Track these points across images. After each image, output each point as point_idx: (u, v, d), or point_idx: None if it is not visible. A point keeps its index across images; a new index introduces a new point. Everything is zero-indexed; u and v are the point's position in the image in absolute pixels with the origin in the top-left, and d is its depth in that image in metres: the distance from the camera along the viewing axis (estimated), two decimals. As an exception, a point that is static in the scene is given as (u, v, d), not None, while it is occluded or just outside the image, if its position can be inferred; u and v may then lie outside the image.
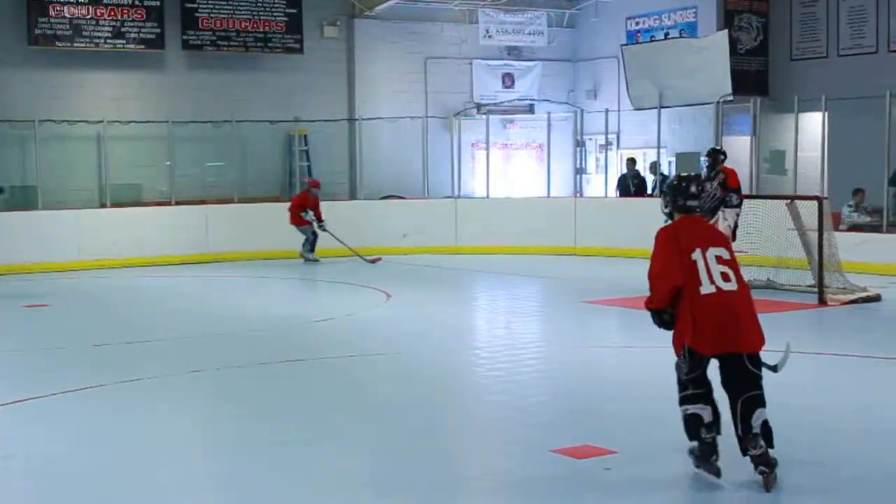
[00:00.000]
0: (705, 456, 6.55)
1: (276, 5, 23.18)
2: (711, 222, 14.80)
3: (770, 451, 6.45)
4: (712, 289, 6.56)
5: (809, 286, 14.88)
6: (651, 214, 20.25)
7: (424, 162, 23.11)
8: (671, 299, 6.68)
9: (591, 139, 25.10)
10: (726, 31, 21.91)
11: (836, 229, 16.57)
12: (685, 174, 7.12)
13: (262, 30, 23.09)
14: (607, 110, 22.80)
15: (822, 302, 14.30)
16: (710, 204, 15.03)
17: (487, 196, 23.26)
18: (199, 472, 7.29)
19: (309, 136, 23.57)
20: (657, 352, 11.28)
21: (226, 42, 22.87)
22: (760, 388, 6.58)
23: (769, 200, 16.22)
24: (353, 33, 24.37)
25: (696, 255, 6.68)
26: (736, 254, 14.97)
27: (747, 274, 15.36)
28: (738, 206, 14.94)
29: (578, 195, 23.65)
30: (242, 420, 8.53)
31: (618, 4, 24.93)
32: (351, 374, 10.50)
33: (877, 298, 14.52)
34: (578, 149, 24.53)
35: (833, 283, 14.69)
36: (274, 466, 7.10)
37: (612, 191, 23.27)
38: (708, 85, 21.45)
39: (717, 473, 6.49)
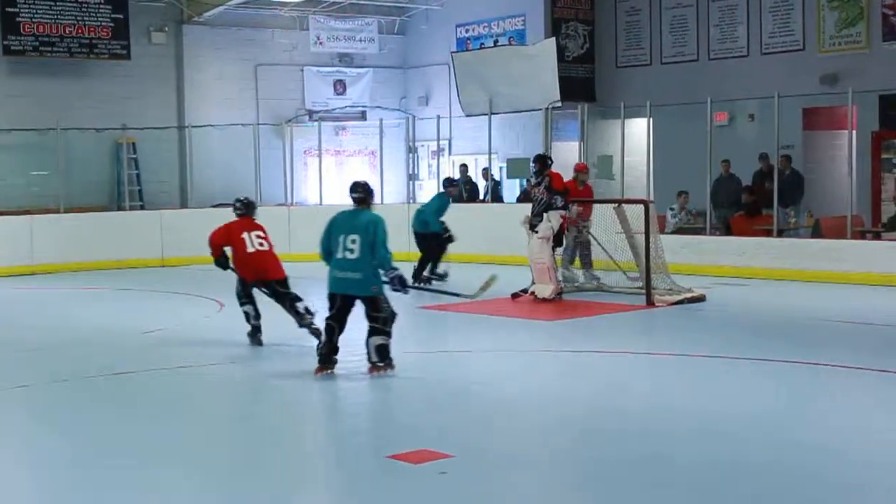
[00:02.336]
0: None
1: (102, 10, 22.69)
2: (538, 226, 15.09)
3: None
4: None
5: (637, 288, 15.24)
6: (483, 219, 20.61)
7: (256, 169, 22.92)
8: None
9: (423, 145, 25.25)
10: (554, 38, 22.32)
11: (662, 232, 17.04)
12: None
13: (87, 35, 22.59)
14: (439, 117, 22.97)
15: (650, 303, 14.67)
16: (538, 208, 15.27)
17: (321, 203, 23.17)
18: (23, 490, 7.07)
19: (137, 144, 23.14)
20: (491, 356, 11.46)
21: (49, 48, 22.30)
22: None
23: (598, 204, 16.55)
24: (182, 39, 24.05)
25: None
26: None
27: (578, 277, 15.84)
28: (564, 208, 15.19)
29: (411, 201, 23.74)
30: (68, 436, 8.32)
31: (447, 12, 25.16)
32: (180, 386, 10.32)
33: (702, 299, 14.94)
34: (411, 155, 24.65)
35: (660, 285, 15.07)
36: (100, 481, 6.97)
37: (445, 197, 23.39)
38: (537, 91, 21.79)
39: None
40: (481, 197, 22.76)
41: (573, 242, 16.26)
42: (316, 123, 24.23)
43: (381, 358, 10.07)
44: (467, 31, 24.80)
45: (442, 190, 18.26)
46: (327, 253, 10.57)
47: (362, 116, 26.04)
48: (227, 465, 7.41)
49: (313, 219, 19.56)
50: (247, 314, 12.46)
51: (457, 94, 23.46)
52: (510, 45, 23.51)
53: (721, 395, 9.32)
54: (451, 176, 20.86)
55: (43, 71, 22.40)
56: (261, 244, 12.24)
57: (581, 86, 23.47)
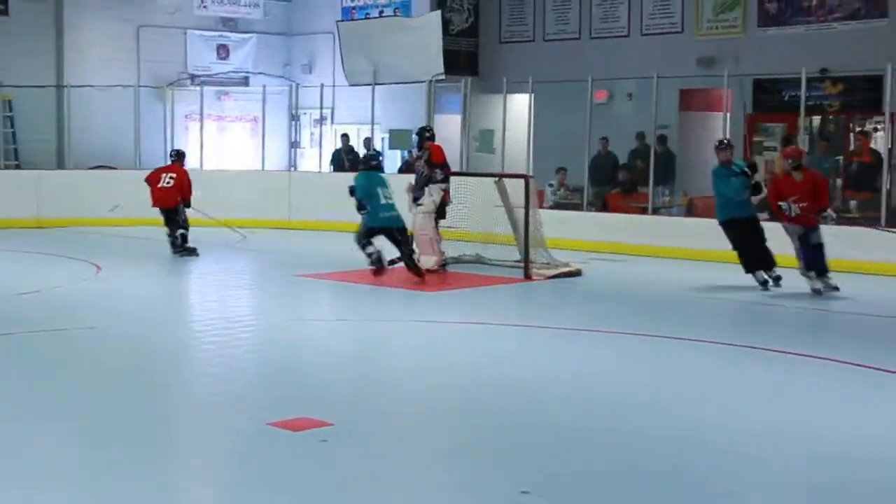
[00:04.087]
0: None
1: (-20, -37, 22.20)
2: (420, 199, 15.24)
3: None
4: None
5: (516, 261, 15.51)
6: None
7: (136, 132, 22.66)
8: None
9: (305, 113, 25.20)
10: (439, 11, 22.45)
11: (541, 207, 17.31)
12: None
13: (-37, -11, 22.07)
14: (322, 85, 22.96)
15: (528, 276, 14.95)
16: (421, 182, 15.42)
17: (201, 168, 23.00)
18: None
19: (14, 102, 22.66)
20: (369, 325, 11.61)
21: (-78, 0, 21.75)
22: None
23: (478, 178, 16.76)
24: (62, -3, 23.63)
25: None
26: (446, 229, 15.66)
27: (457, 249, 16.07)
28: (444, 181, 15.34)
29: (293, 169, 23.75)
30: None
31: (333, -20, 25.10)
32: (60, 348, 10.24)
33: (578, 273, 15.28)
34: (293, 123, 24.60)
35: (538, 259, 15.35)
36: None
37: (327, 165, 23.46)
38: (421, 64, 21.94)
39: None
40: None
41: None
42: (198, 88, 24.01)
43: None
44: (353, 0, 24.77)
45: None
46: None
47: (245, 82, 25.87)
48: (101, 430, 7.34)
49: (194, 183, 19.59)
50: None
51: (341, 63, 23.46)
52: (395, 16, 23.56)
53: (590, 364, 9.62)
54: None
55: (-86, 23, 21.84)
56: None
57: (465, 60, 23.66)
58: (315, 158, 23.98)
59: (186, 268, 16.51)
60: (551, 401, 8.25)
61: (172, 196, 17.18)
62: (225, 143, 25.28)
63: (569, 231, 17.91)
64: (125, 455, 6.79)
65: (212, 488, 6.39)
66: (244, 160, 24.41)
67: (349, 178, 21.49)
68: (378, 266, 14.53)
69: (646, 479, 6.46)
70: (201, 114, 23.32)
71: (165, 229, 17.36)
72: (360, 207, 14.66)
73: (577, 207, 19.53)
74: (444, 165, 15.48)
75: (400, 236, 14.57)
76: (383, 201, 14.45)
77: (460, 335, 11.13)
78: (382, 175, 15.14)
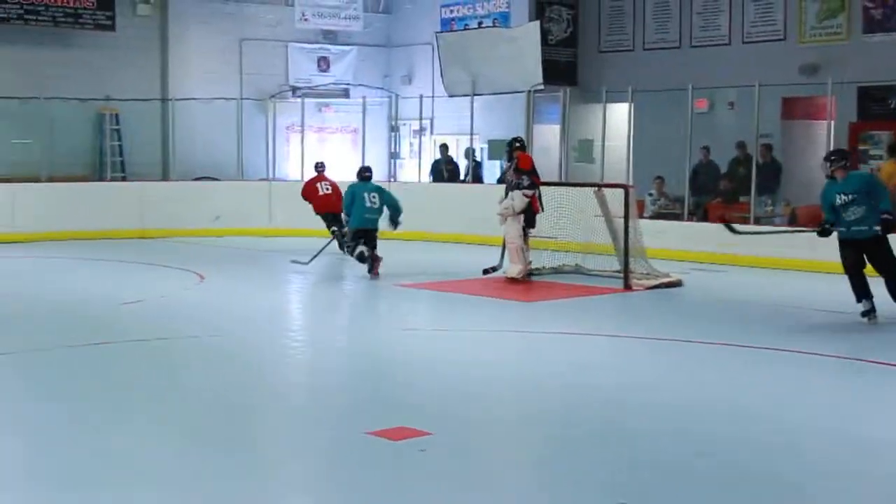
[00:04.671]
0: None
1: (87, -20, 22.71)
2: (503, 204, 15.34)
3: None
4: None
5: (615, 271, 15.41)
6: (462, 200, 20.72)
7: (239, 144, 22.96)
8: None
9: (405, 124, 25.34)
10: (538, 21, 22.41)
11: (641, 216, 17.19)
12: None
13: (72, 5, 22.55)
14: (422, 96, 23.06)
15: (628, 287, 14.84)
16: (508, 190, 15.54)
17: (302, 179, 23.21)
18: (4, 456, 7.08)
19: (120, 116, 23.14)
20: (466, 334, 11.61)
21: (34, 16, 22.26)
22: None
23: (577, 188, 16.70)
24: (167, 12, 24.04)
25: None
26: (545, 239, 15.63)
27: (557, 259, 16.02)
28: (530, 187, 15.39)
29: (392, 180, 23.85)
30: (47, 402, 8.36)
31: (432, -8, 25.23)
32: (161, 357, 10.38)
33: (678, 284, 15.13)
34: (393, 134, 24.75)
35: (638, 269, 15.23)
36: (76, 449, 7.04)
37: (426, 176, 23.54)
38: (519, 74, 21.91)
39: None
40: (462, 177, 22.88)
41: None
42: (299, 100, 24.27)
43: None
44: (452, 11, 24.86)
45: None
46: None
47: (345, 94, 26.09)
48: (203, 439, 7.42)
49: (294, 194, 19.79)
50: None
51: (440, 75, 23.54)
52: (494, 27, 23.58)
53: (692, 378, 9.50)
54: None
55: (27, 40, 22.35)
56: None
57: (563, 69, 23.58)
58: (415, 169, 24.08)
59: (287, 277, 16.68)
60: (647, 411, 8.17)
61: (334, 201, 18.38)
62: (325, 154, 25.49)
63: (669, 241, 17.74)
64: (224, 463, 6.85)
65: (310, 497, 6.43)
66: (344, 171, 24.57)
67: (449, 188, 21.77)
68: (371, 262, 15.86)
69: (746, 489, 6.36)
70: (302, 125, 23.56)
71: (327, 235, 18.36)
72: (345, 218, 16.41)
73: (677, 217, 19.35)
74: (532, 173, 15.51)
75: (372, 239, 16.12)
76: (368, 204, 16.07)
77: (557, 345, 11.07)
78: (373, 183, 16.60)
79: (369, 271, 15.83)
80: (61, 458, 6.88)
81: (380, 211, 16.22)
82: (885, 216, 11.79)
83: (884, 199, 11.92)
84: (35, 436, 7.49)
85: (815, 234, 12.54)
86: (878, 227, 11.81)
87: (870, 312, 12.02)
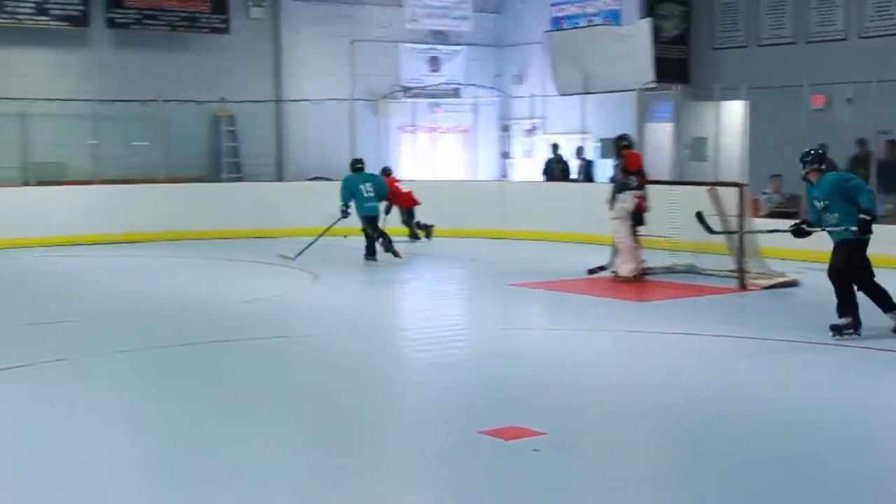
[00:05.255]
0: None
1: (203, -16, 23.13)
2: (617, 207, 15.22)
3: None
4: None
5: (730, 271, 15.21)
6: (574, 199, 20.64)
7: (351, 144, 23.14)
8: None
9: (516, 124, 25.33)
10: (649, 19, 22.23)
11: (756, 215, 16.93)
12: None
13: (188, 9, 22.99)
14: (532, 95, 23.03)
15: (743, 286, 14.63)
16: (615, 189, 15.40)
17: (413, 179, 23.35)
18: (125, 451, 7.23)
19: (235, 117, 23.51)
20: (580, 334, 11.57)
21: (152, 21, 22.75)
22: None
23: (690, 186, 16.50)
24: (280, 14, 24.35)
25: None
26: (658, 238, 15.44)
27: (670, 259, 15.86)
28: (639, 188, 15.25)
29: (503, 179, 23.87)
30: (168, 400, 8.56)
31: (543, -9, 25.18)
32: (277, 355, 10.52)
33: (795, 283, 14.87)
34: (504, 133, 24.76)
35: (753, 268, 15.01)
36: (198, 447, 7.17)
37: (538, 175, 23.50)
38: (631, 72, 21.77)
39: None
40: (573, 176, 22.80)
41: None
42: (410, 100, 24.40)
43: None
44: (562, 10, 24.77)
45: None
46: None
47: (456, 94, 26.16)
48: (317, 437, 7.52)
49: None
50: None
51: (551, 74, 23.49)
52: (605, 24, 23.45)
53: (810, 381, 9.35)
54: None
55: (145, 44, 22.83)
56: None
57: (675, 67, 23.34)
58: (526, 168, 24.05)
59: (401, 276, 16.77)
60: (766, 415, 8.03)
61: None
62: (437, 153, 25.63)
63: (785, 240, 17.41)
64: (338, 460, 6.92)
65: (422, 496, 6.45)
66: (456, 171, 24.68)
67: (560, 188, 21.71)
68: (371, 257, 17.45)
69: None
70: (413, 126, 23.67)
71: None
72: (343, 212, 17.44)
73: (792, 216, 19.00)
74: (640, 173, 15.39)
75: (370, 224, 17.55)
76: (366, 195, 17.39)
77: (670, 345, 10.95)
78: (366, 173, 17.88)
79: (395, 254, 17.39)
80: (180, 455, 7.04)
81: (377, 198, 17.62)
82: (862, 216, 10.64)
83: (861, 196, 10.74)
84: (155, 433, 7.65)
85: (790, 233, 11.72)
86: (853, 228, 10.71)
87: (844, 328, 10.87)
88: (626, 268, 15.17)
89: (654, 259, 15.97)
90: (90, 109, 21.51)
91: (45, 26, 21.74)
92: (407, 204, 20.87)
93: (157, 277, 16.59)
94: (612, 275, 15.38)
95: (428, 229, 20.98)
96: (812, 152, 11.30)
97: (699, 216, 13.10)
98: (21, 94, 21.02)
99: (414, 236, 20.88)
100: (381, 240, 17.66)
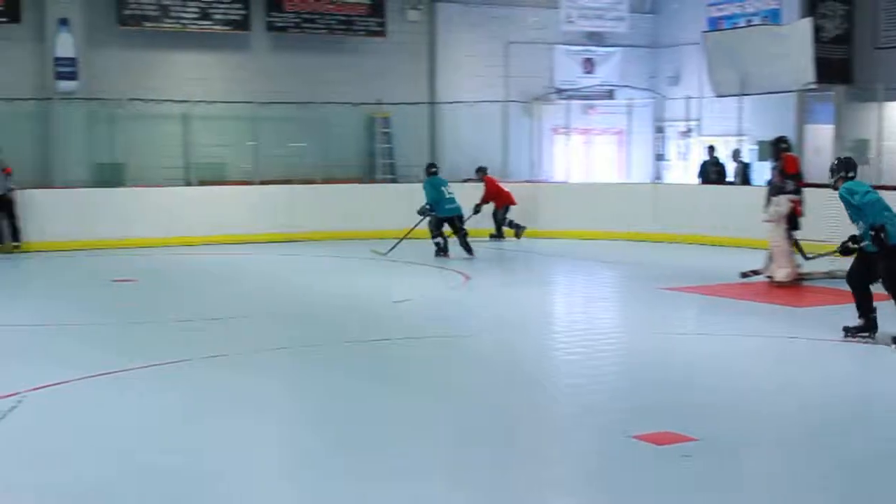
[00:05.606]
0: None
1: (360, -12, 23.43)
2: (771, 211, 14.90)
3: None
4: None
5: None
6: (730, 202, 20.29)
7: (504, 146, 23.20)
8: None
9: (671, 125, 25.05)
10: (810, 18, 21.74)
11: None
12: None
13: (345, 13, 23.34)
14: (688, 97, 22.74)
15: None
16: (771, 192, 15.09)
17: (566, 181, 23.30)
18: (284, 447, 7.37)
19: (390, 119, 23.75)
20: (734, 340, 11.36)
21: (310, 24, 23.16)
22: None
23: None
24: (436, 17, 24.53)
25: None
26: (817, 243, 15.00)
27: (829, 264, 15.45)
28: (795, 192, 14.92)
29: (657, 181, 23.63)
30: (325, 398, 8.67)
31: (700, -9, 24.84)
32: (429, 356, 10.57)
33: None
34: (658, 135, 24.51)
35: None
36: (354, 444, 7.25)
37: (693, 178, 23.21)
38: (790, 73, 21.33)
39: None
40: (730, 179, 22.43)
41: None
42: (564, 102, 24.33)
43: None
44: (720, 9, 24.37)
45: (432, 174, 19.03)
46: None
47: (610, 95, 25.99)
48: (469, 436, 7.54)
49: (559, 196, 19.85)
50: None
51: (707, 74, 23.17)
52: (764, 24, 23.01)
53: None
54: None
55: (303, 47, 23.25)
56: None
57: (837, 67, 22.79)
58: (680, 171, 23.78)
59: (553, 278, 16.73)
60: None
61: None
62: (590, 155, 25.50)
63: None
64: (489, 460, 6.95)
65: (573, 499, 6.43)
66: (610, 173, 24.53)
67: (716, 190, 21.38)
68: (443, 252, 18.09)
69: None
70: (567, 127, 23.59)
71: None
72: (424, 212, 18.21)
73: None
74: (797, 177, 15.05)
75: (459, 223, 18.33)
76: (447, 196, 18.19)
77: (828, 353, 10.68)
78: (442, 178, 18.74)
79: (441, 255, 18.06)
80: (336, 452, 7.12)
81: (455, 199, 18.42)
82: (871, 231, 10.37)
83: (865, 211, 10.39)
84: (310, 430, 7.76)
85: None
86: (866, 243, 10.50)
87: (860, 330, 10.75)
88: (781, 272, 14.87)
89: (813, 264, 15.59)
90: (250, 111, 22.00)
91: (208, 30, 22.29)
92: (507, 203, 21.28)
93: (312, 276, 16.81)
94: (768, 279, 15.08)
95: (520, 229, 21.15)
96: (838, 160, 11.10)
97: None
98: (184, 96, 21.61)
99: (499, 235, 21.27)
100: (464, 237, 18.33)
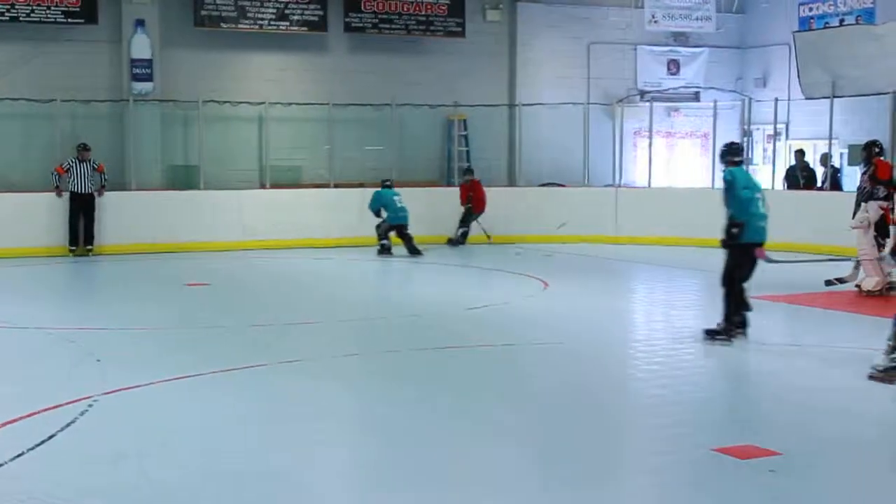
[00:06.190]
0: None
1: (440, -11, 23.10)
2: (858, 216, 14.30)
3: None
4: None
5: None
6: (819, 208, 19.60)
7: (585, 149, 22.71)
8: None
9: (758, 129, 24.37)
10: (907, 17, 20.97)
11: None
12: None
13: (424, 13, 23.00)
14: (776, 99, 22.07)
15: None
16: (860, 197, 14.51)
17: (649, 185, 22.73)
18: (356, 453, 7.29)
19: (468, 121, 23.38)
20: (818, 350, 10.81)
21: (388, 25, 22.84)
22: None
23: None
24: (516, 17, 24.16)
25: None
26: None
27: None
28: (886, 198, 14.27)
29: (744, 186, 22.91)
30: (398, 404, 8.52)
31: (791, -10, 24.16)
32: (507, 363, 10.37)
33: None
34: (745, 138, 23.78)
35: None
36: (427, 450, 7.16)
37: (780, 183, 22.54)
38: (884, 74, 20.59)
39: None
40: (818, 184, 21.72)
41: None
42: (647, 104, 23.79)
43: None
44: (811, 9, 23.67)
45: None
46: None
47: (695, 97, 25.41)
48: (544, 447, 7.38)
49: (641, 201, 19.33)
50: None
51: (797, 76, 22.49)
52: (857, 24, 22.26)
53: None
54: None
55: (380, 47, 22.96)
56: None
57: (934, 68, 21.95)
58: (768, 175, 23.09)
59: (632, 286, 16.28)
60: None
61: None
62: (674, 159, 24.92)
63: None
64: (565, 471, 6.80)
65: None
66: (693, 177, 23.91)
67: (804, 196, 20.67)
68: (387, 252, 19.28)
69: None
70: (650, 130, 23.04)
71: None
72: (377, 214, 19.54)
73: None
74: (890, 183, 14.42)
75: (405, 230, 19.36)
76: (399, 205, 19.39)
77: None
78: (395, 190, 19.70)
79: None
80: (409, 459, 7.00)
81: (405, 209, 19.44)
82: (730, 224, 10.99)
83: (733, 203, 10.99)
84: (382, 436, 7.60)
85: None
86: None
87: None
88: (869, 281, 14.23)
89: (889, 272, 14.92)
90: (326, 113, 21.78)
91: (285, 31, 22.08)
92: (483, 209, 21.15)
93: (386, 281, 16.77)
94: (856, 289, 14.42)
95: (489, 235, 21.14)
96: (725, 145, 11.72)
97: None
98: (260, 97, 21.43)
99: (461, 241, 21.14)
100: (410, 241, 19.44)
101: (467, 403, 8.54)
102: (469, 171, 21.74)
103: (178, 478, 6.59)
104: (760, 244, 11.12)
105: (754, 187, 11.21)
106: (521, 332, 11.83)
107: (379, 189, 19.78)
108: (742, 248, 10.96)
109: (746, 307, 11.05)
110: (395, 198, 19.56)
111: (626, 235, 21.38)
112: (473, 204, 21.09)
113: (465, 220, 21.15)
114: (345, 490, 6.54)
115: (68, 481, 6.49)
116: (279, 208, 20.70)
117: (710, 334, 10.99)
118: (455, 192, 21.79)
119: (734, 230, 10.88)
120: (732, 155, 11.43)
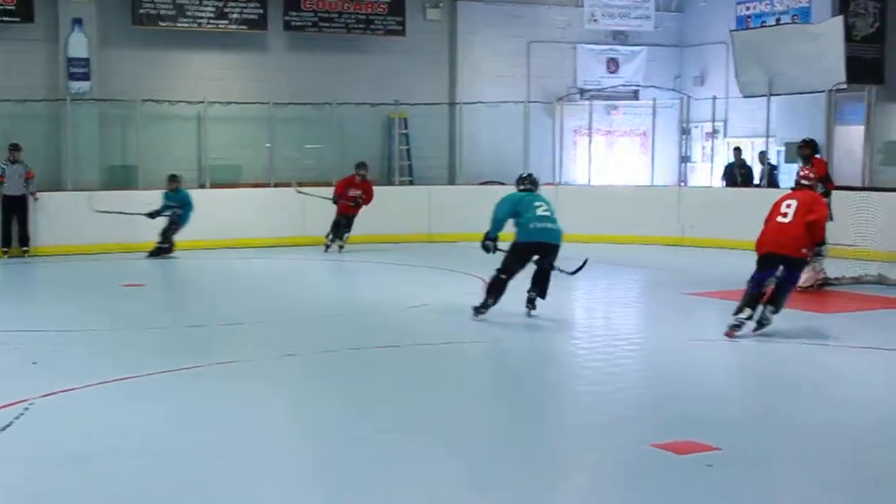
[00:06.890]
0: None
1: (380, -13, 23.04)
2: None
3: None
4: None
5: (925, 282, 14.29)
6: (757, 205, 19.76)
7: (525, 147, 22.76)
8: None
9: (696, 126, 24.54)
10: (841, 17, 21.17)
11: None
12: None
13: (364, 11, 22.93)
14: (714, 97, 22.25)
15: (940, 299, 13.72)
16: None
17: (589, 183, 22.82)
18: (292, 456, 7.20)
19: (409, 120, 23.34)
20: (755, 345, 10.90)
21: (328, 24, 22.74)
22: None
23: (882, 193, 15.65)
24: (456, 16, 24.13)
25: None
26: (844, 247, 14.53)
27: (858, 268, 14.95)
28: (825, 195, 14.40)
29: (683, 184, 23.11)
30: (334, 405, 8.44)
31: (728, -11, 24.34)
32: (444, 362, 10.30)
33: None
34: (684, 136, 23.96)
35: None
36: (364, 452, 7.03)
37: (718, 180, 22.72)
38: (820, 73, 20.78)
39: None
40: (756, 182, 21.92)
41: None
42: (587, 102, 23.88)
43: None
44: (748, 8, 23.86)
45: None
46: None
47: (634, 96, 25.53)
48: (481, 445, 7.34)
49: (580, 199, 19.36)
50: None
51: (734, 74, 22.67)
52: (793, 23, 22.48)
53: None
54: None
55: (320, 46, 22.85)
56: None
57: (869, 67, 22.18)
58: (706, 173, 23.29)
59: (572, 283, 16.27)
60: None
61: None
62: (613, 157, 25.03)
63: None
64: (506, 470, 6.75)
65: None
66: (633, 175, 24.04)
67: (742, 194, 20.85)
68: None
69: None
70: (590, 128, 23.14)
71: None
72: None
73: None
74: (826, 179, 14.56)
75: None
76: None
77: (854, 359, 10.34)
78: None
79: None
80: (341, 458, 6.94)
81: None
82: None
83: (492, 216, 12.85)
84: (316, 435, 7.60)
85: None
86: None
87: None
88: (801, 277, 14.33)
89: (840, 269, 15.07)
90: (266, 112, 21.66)
91: (224, 30, 21.93)
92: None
93: (325, 281, 16.61)
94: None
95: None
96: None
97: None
98: (198, 97, 21.26)
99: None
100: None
101: (404, 403, 8.49)
102: (362, 164, 20.17)
103: (122, 480, 6.51)
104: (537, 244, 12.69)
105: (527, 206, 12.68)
106: (459, 330, 11.74)
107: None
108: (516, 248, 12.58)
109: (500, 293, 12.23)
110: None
111: (565, 233, 21.35)
112: (368, 200, 19.87)
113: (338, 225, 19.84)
114: (288, 490, 6.45)
115: (8, 485, 6.41)
116: (218, 208, 20.50)
117: (476, 310, 12.16)
118: (397, 190, 21.79)
119: (487, 242, 12.64)
120: (520, 183, 13.12)
